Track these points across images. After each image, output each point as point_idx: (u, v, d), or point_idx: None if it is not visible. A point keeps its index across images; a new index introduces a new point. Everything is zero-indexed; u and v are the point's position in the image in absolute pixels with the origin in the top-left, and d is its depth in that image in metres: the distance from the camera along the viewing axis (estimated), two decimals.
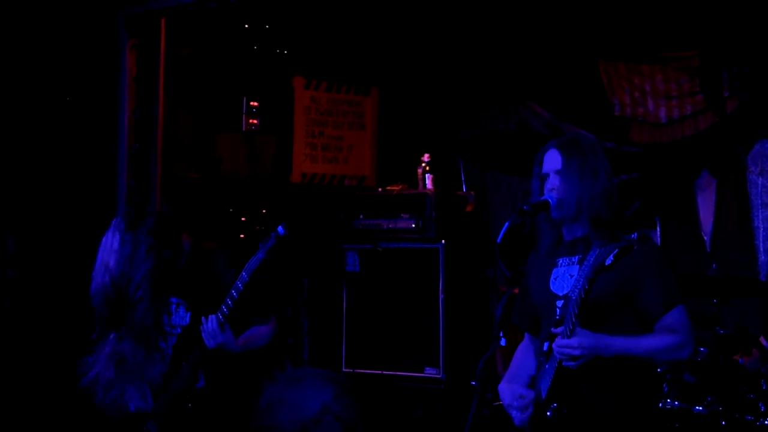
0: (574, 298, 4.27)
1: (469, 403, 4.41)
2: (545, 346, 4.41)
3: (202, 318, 5.13)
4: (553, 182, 4.53)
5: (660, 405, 6.72)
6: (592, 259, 4.24)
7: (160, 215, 5.30)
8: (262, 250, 5.13)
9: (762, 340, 6.97)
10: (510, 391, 4.56)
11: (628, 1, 8.28)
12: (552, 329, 4.37)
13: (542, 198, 4.51)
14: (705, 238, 8.48)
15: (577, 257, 4.48)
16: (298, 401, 3.60)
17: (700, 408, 6.68)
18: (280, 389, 3.70)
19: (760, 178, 8.28)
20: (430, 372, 8.56)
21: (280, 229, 5.15)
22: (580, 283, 4.25)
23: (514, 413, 4.51)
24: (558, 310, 4.45)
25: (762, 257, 8.21)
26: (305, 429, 3.56)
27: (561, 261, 4.57)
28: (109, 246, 5.15)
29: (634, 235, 4.28)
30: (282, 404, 3.62)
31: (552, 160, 4.56)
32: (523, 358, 4.83)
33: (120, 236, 5.13)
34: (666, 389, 6.79)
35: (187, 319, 5.28)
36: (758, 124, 8.27)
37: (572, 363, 4.29)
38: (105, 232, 5.21)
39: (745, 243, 8.29)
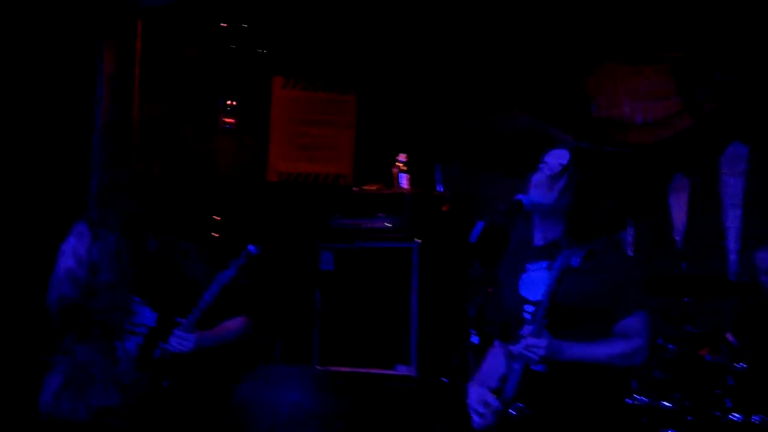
0: (542, 300, 4.31)
1: (440, 401, 4.43)
2: (515, 349, 4.43)
3: (174, 330, 5.19)
4: (551, 174, 4.53)
5: (629, 401, 6.76)
6: (560, 262, 4.28)
7: (123, 216, 5.30)
8: (233, 267, 5.24)
9: (729, 336, 7.01)
10: (477, 393, 4.53)
11: (608, 4, 8.31)
12: (520, 332, 4.40)
13: (516, 198, 4.53)
14: (677, 238, 8.52)
15: (546, 262, 4.48)
16: (275, 398, 3.61)
17: (668, 403, 6.73)
18: (258, 386, 3.72)
19: (732, 180, 8.33)
20: (402, 370, 8.57)
21: (251, 247, 5.26)
22: (549, 285, 4.29)
23: (475, 417, 4.51)
24: (527, 314, 4.47)
25: (732, 257, 8.26)
26: (284, 426, 3.58)
27: (531, 266, 4.58)
28: (70, 251, 5.15)
29: (603, 239, 4.30)
30: (260, 401, 3.64)
31: (558, 157, 4.59)
32: (493, 362, 4.82)
33: (82, 241, 5.13)
34: (635, 385, 6.82)
35: (153, 319, 5.30)
36: (733, 127, 8.32)
37: (536, 361, 4.32)
38: (66, 237, 5.22)
39: (717, 243, 8.34)
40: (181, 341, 5.22)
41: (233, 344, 5.48)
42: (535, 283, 4.51)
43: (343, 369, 8.71)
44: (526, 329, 4.33)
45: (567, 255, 4.24)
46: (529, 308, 4.46)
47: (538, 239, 4.60)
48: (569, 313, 4.37)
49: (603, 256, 4.30)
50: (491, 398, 4.45)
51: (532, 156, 4.72)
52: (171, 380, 5.26)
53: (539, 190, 4.50)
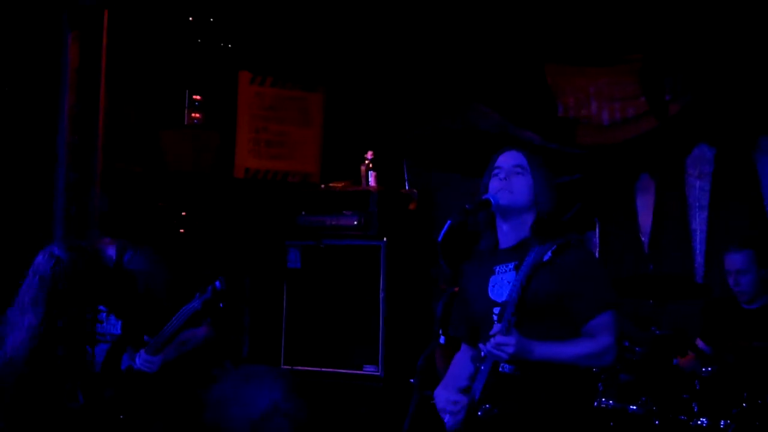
0: (510, 298, 4.29)
1: (407, 401, 4.41)
2: (483, 350, 4.41)
3: (141, 351, 5.20)
4: (508, 176, 4.51)
5: (595, 404, 6.76)
6: (530, 258, 4.26)
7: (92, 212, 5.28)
8: (198, 300, 5.30)
9: (698, 342, 7.03)
10: (444, 396, 4.53)
11: (574, 4, 8.31)
12: (490, 332, 4.38)
13: (484, 197, 4.51)
14: (643, 239, 8.54)
15: (513, 263, 4.44)
16: (248, 398, 3.59)
17: (635, 407, 6.73)
18: (233, 385, 3.69)
19: (698, 181, 8.35)
20: (369, 370, 8.57)
21: (217, 283, 5.31)
22: (518, 282, 4.27)
23: (446, 417, 4.49)
24: (495, 317, 4.44)
25: (699, 259, 8.28)
26: (255, 426, 3.55)
27: (498, 268, 4.54)
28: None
29: (572, 236, 4.29)
30: (233, 401, 3.61)
31: (514, 157, 4.54)
32: (460, 365, 4.80)
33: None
34: (601, 388, 6.83)
35: (118, 327, 5.30)
36: (698, 128, 8.34)
37: (505, 360, 4.30)
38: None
39: (683, 245, 8.37)
40: (146, 363, 5.32)
41: (197, 350, 5.49)
42: (504, 285, 4.48)
43: (310, 369, 8.69)
44: (495, 328, 4.31)
45: (538, 251, 4.22)
46: (498, 310, 4.44)
47: (504, 242, 4.57)
48: (537, 311, 4.35)
49: (571, 254, 4.29)
50: (459, 396, 4.46)
51: (483, 156, 4.71)
52: (114, 390, 5.27)
53: (502, 193, 4.48)
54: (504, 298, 4.39)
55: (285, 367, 8.75)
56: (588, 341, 4.38)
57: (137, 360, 5.28)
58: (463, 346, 4.85)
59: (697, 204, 8.32)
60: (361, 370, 8.59)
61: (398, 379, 8.39)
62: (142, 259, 5.43)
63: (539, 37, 8.71)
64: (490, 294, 4.54)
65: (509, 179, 4.49)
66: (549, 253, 4.18)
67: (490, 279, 4.56)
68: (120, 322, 5.31)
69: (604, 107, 8.71)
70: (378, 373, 8.53)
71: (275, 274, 9.00)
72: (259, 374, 3.71)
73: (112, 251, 5.36)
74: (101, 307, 5.30)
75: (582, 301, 4.38)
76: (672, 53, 8.28)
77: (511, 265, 4.47)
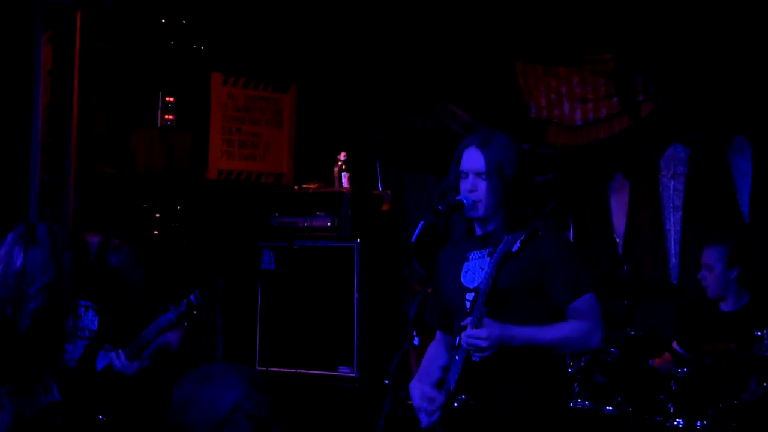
0: (482, 288, 4.29)
1: (382, 402, 4.40)
2: (457, 340, 4.41)
3: (112, 355, 5.18)
4: (473, 183, 4.51)
5: (570, 405, 6.77)
6: (499, 249, 4.26)
7: (56, 224, 5.24)
8: (173, 312, 5.33)
9: (675, 345, 7.05)
10: (420, 391, 4.53)
11: (546, 3, 8.32)
12: (462, 322, 4.39)
13: (457, 198, 4.50)
14: (617, 240, 8.56)
15: (488, 250, 4.47)
16: (210, 399, 3.54)
17: (610, 408, 6.74)
18: (193, 386, 3.65)
19: (672, 181, 8.37)
20: (344, 371, 8.56)
21: (192, 297, 5.33)
22: (489, 272, 4.27)
23: (422, 416, 4.50)
24: (468, 303, 4.45)
25: (673, 260, 8.30)
26: (216, 428, 3.51)
27: (472, 255, 4.56)
28: (3, 263, 5.06)
29: (539, 223, 4.29)
30: (194, 402, 3.58)
31: (473, 160, 4.53)
32: (434, 354, 4.80)
33: (13, 252, 5.05)
34: (576, 389, 6.84)
35: (96, 323, 5.27)
36: (671, 128, 8.36)
37: (480, 354, 4.30)
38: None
39: (657, 245, 8.39)
40: (124, 368, 5.26)
41: (172, 354, 5.50)
42: (476, 271, 4.50)
43: (284, 370, 8.68)
44: (467, 320, 4.31)
45: (507, 242, 4.23)
46: (471, 296, 4.44)
47: (480, 229, 4.59)
48: (510, 300, 4.37)
49: (542, 241, 4.30)
50: (435, 393, 4.46)
51: (445, 156, 4.71)
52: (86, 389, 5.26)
53: (472, 205, 4.49)
54: (476, 284, 4.40)
55: (260, 368, 8.74)
56: (573, 323, 4.42)
57: (115, 363, 5.26)
58: (438, 334, 4.86)
59: (672, 204, 8.34)
60: (336, 371, 8.59)
61: (373, 379, 8.40)
62: (123, 255, 5.42)
63: (511, 37, 8.71)
64: (462, 280, 4.56)
65: (477, 188, 4.50)
66: (518, 243, 4.20)
67: (464, 265, 4.58)
68: (98, 318, 5.29)
69: (576, 107, 8.73)
70: (353, 374, 8.52)
71: (249, 275, 8.99)
72: (219, 373, 3.68)
73: (94, 244, 5.34)
74: (81, 302, 5.27)
75: (561, 283, 4.42)
76: (644, 53, 8.29)
77: (485, 252, 4.50)
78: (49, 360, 5.07)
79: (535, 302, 4.44)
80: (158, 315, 5.39)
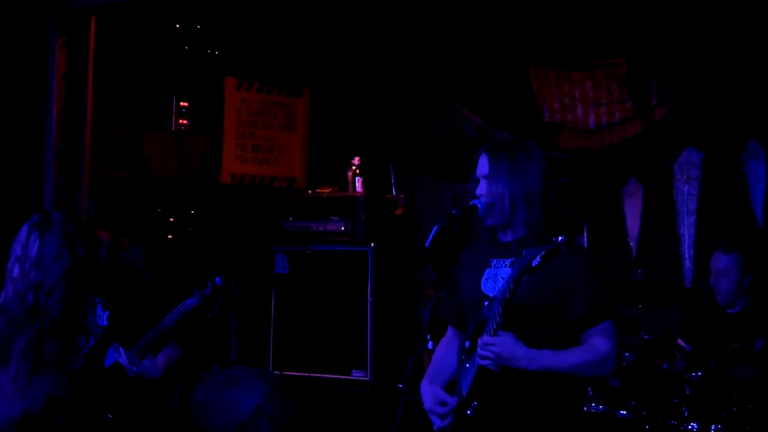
0: (500, 298, 4.27)
1: (396, 406, 4.39)
2: (467, 344, 4.40)
3: (122, 351, 5.18)
4: (481, 187, 4.53)
5: (585, 409, 6.76)
6: (519, 262, 4.24)
7: (70, 214, 5.26)
8: (197, 297, 5.31)
9: (680, 341, 7.02)
10: (432, 393, 4.52)
11: (559, 8, 8.31)
12: (475, 326, 4.38)
13: (471, 203, 4.50)
14: (631, 244, 8.55)
15: (510, 260, 4.44)
16: (232, 401, 3.56)
17: (624, 412, 6.73)
18: (216, 388, 3.66)
19: (686, 186, 8.36)
20: (357, 374, 8.57)
21: (217, 279, 5.31)
22: (507, 283, 4.26)
23: (434, 419, 4.48)
24: (485, 310, 4.40)
25: (687, 264, 8.29)
26: (238, 430, 3.53)
27: (494, 262, 4.53)
28: (20, 252, 5.09)
29: (562, 238, 4.26)
30: (217, 404, 3.59)
31: (482, 165, 4.54)
32: (445, 353, 4.78)
33: (32, 240, 5.07)
34: (591, 393, 6.83)
35: (105, 319, 5.27)
36: (685, 132, 8.34)
37: (490, 363, 4.29)
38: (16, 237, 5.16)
39: (671, 249, 8.37)
40: (128, 366, 5.25)
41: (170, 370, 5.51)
42: (497, 279, 4.47)
43: (298, 373, 8.68)
44: (483, 327, 4.30)
45: (527, 255, 4.21)
46: (488, 304, 4.42)
47: (502, 236, 4.57)
48: (526, 315, 4.34)
49: (562, 259, 4.26)
50: (447, 397, 4.44)
51: (468, 161, 4.70)
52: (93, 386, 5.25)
53: (482, 198, 4.48)
54: (495, 292, 4.38)
55: (273, 372, 8.74)
56: (590, 350, 4.37)
57: (125, 358, 5.24)
58: (450, 330, 4.84)
59: (685, 208, 8.33)
60: (350, 375, 8.59)
61: (387, 383, 8.39)
62: (133, 253, 5.44)
63: (524, 41, 8.70)
64: (482, 287, 4.53)
65: (485, 191, 4.50)
66: (538, 258, 4.16)
67: (485, 271, 4.55)
68: (107, 314, 5.29)
69: (589, 111, 8.71)
70: (366, 378, 8.53)
71: (263, 280, 9.00)
72: (242, 376, 3.69)
73: (104, 242, 5.35)
74: (94, 298, 5.27)
75: (582, 308, 4.37)
76: (657, 57, 8.28)
77: (507, 261, 4.47)
78: (65, 350, 5.10)
79: (549, 319, 4.40)
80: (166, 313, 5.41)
